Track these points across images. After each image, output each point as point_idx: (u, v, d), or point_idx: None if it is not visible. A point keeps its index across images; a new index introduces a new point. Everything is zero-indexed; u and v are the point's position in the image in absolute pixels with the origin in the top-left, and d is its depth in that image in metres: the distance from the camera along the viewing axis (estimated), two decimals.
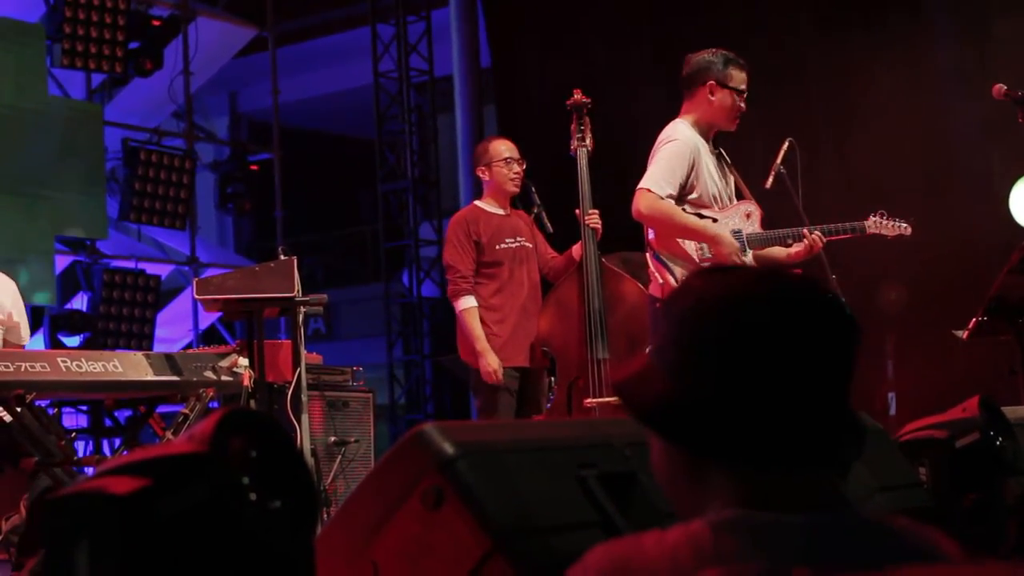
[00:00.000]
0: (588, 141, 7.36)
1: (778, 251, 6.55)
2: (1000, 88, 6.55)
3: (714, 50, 6.52)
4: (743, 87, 6.47)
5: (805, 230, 6.45)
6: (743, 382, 1.79)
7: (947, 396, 4.69)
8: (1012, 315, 6.81)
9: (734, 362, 1.79)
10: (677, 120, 6.48)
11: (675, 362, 1.84)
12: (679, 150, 6.30)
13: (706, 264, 6.28)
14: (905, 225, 6.72)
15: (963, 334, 6.90)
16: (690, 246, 6.34)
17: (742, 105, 6.48)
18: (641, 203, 6.25)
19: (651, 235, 6.38)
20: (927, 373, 9.56)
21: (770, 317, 1.80)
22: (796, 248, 6.50)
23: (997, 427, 4.28)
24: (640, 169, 6.48)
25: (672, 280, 6.23)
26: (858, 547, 1.72)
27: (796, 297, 1.83)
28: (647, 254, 6.39)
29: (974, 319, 6.83)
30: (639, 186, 6.28)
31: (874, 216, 6.65)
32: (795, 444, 1.80)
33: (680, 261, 6.32)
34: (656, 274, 6.31)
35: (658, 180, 6.25)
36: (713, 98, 6.42)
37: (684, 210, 6.35)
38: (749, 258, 6.42)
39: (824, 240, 6.47)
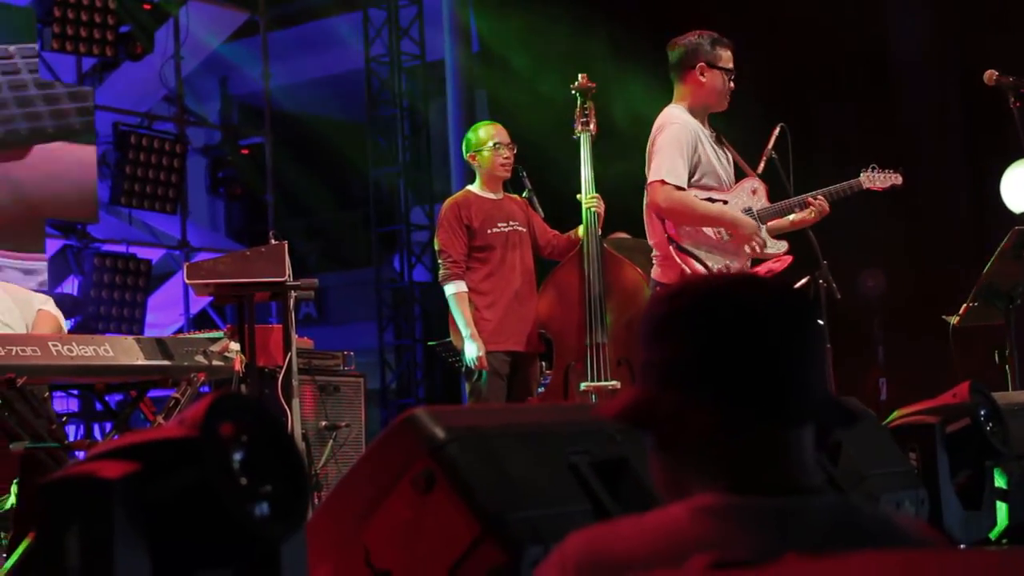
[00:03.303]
0: (592, 125, 7.37)
1: (784, 221, 6.57)
2: (991, 74, 6.55)
3: (698, 32, 6.52)
4: (731, 66, 6.49)
5: (809, 197, 6.49)
6: (724, 371, 1.85)
7: (938, 382, 4.70)
8: (1003, 300, 6.83)
9: (715, 353, 1.86)
10: (671, 106, 6.47)
11: (659, 363, 1.91)
12: (680, 134, 6.28)
13: (728, 245, 6.31)
14: (896, 175, 6.74)
15: (954, 319, 6.92)
16: (708, 230, 6.35)
17: (731, 84, 6.49)
18: (659, 196, 6.22)
19: (670, 227, 6.33)
20: (918, 359, 9.59)
21: (742, 311, 1.88)
22: (803, 215, 6.53)
23: (987, 412, 4.29)
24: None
25: (700, 268, 6.22)
26: (832, 531, 1.74)
27: (761, 291, 1.91)
28: (669, 247, 6.30)
29: (965, 304, 6.84)
30: (651, 179, 6.24)
31: (865, 171, 6.69)
32: (779, 410, 1.85)
33: (703, 246, 6.31)
34: (683, 266, 6.24)
35: (670, 170, 6.22)
36: (704, 79, 6.43)
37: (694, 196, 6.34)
38: (764, 233, 6.43)
39: (829, 204, 6.52)
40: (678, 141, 6.27)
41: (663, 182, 6.21)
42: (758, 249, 6.40)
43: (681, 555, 1.66)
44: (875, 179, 6.71)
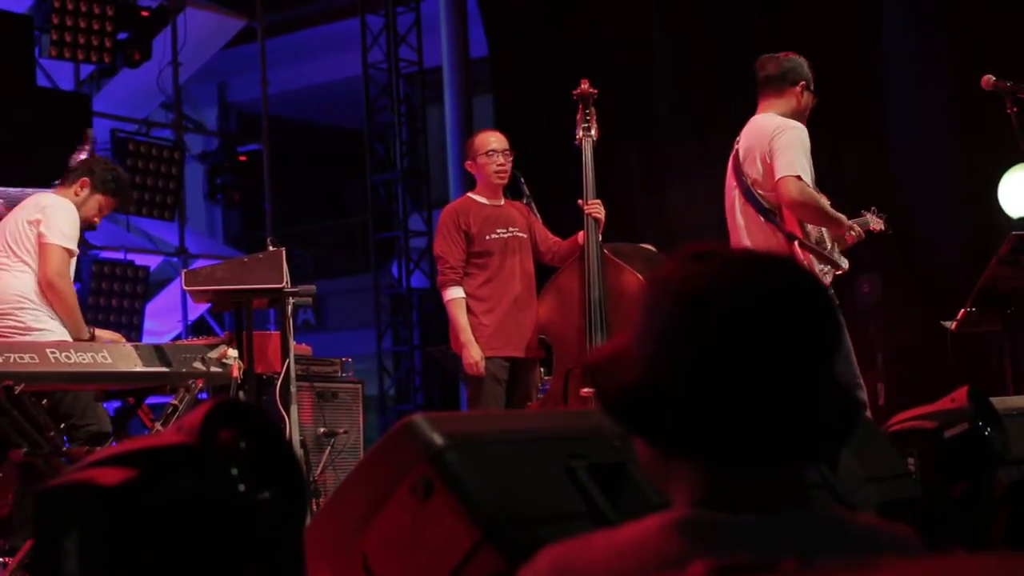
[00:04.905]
0: (594, 131, 7.40)
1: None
2: (989, 79, 6.56)
3: (796, 53, 6.74)
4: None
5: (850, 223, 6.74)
6: (708, 379, 1.71)
7: (936, 387, 4.70)
8: (1001, 306, 6.83)
9: (698, 358, 1.71)
10: (771, 113, 6.63)
11: (647, 352, 1.78)
12: (804, 137, 6.49)
13: (823, 248, 6.53)
14: (880, 221, 7.01)
15: (952, 325, 6.92)
16: (813, 231, 6.54)
17: None
18: (793, 190, 6.36)
19: (791, 224, 6.49)
20: (915, 364, 9.59)
21: (741, 311, 1.71)
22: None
23: (986, 417, 4.28)
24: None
25: (820, 266, 6.48)
26: (811, 548, 1.65)
27: (766, 288, 1.74)
28: (790, 245, 6.45)
29: (963, 310, 6.85)
30: (784, 174, 6.37)
31: (867, 213, 6.94)
32: (761, 446, 1.73)
33: (812, 246, 6.53)
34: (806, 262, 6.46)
35: (802, 167, 6.40)
36: (803, 98, 6.65)
37: None
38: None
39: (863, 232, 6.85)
40: (803, 143, 6.46)
41: (798, 177, 6.36)
42: (848, 242, 6.66)
43: (648, 573, 1.63)
44: (873, 221, 7.08)
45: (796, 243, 6.44)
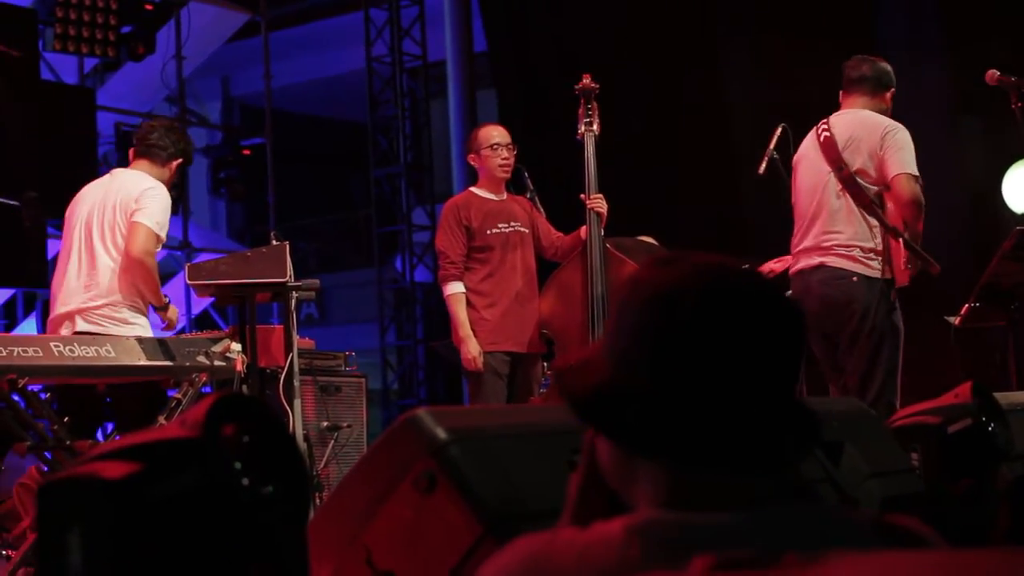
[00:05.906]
0: (595, 126, 7.41)
1: None
2: (993, 74, 6.57)
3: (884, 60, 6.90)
4: None
5: None
6: (675, 377, 1.72)
7: (939, 382, 4.70)
8: (1005, 301, 6.83)
9: (667, 356, 1.72)
10: (871, 112, 6.73)
11: (615, 349, 1.79)
12: (910, 139, 6.60)
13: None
14: None
15: (956, 320, 6.92)
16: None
17: None
18: (908, 189, 6.52)
19: (894, 220, 6.58)
20: (919, 359, 9.58)
21: (706, 313, 1.72)
22: None
23: (989, 413, 4.28)
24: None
25: (920, 263, 6.64)
26: (785, 545, 1.64)
27: (736, 293, 1.75)
28: (893, 240, 6.59)
29: (967, 305, 6.85)
30: (903, 170, 6.52)
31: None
32: (726, 446, 1.72)
33: (912, 244, 6.63)
34: (903, 259, 6.58)
35: (915, 168, 6.53)
36: (890, 104, 6.80)
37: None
38: None
39: None
40: (911, 144, 6.59)
41: (917, 178, 6.53)
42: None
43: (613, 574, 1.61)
44: None
45: (900, 240, 6.57)
